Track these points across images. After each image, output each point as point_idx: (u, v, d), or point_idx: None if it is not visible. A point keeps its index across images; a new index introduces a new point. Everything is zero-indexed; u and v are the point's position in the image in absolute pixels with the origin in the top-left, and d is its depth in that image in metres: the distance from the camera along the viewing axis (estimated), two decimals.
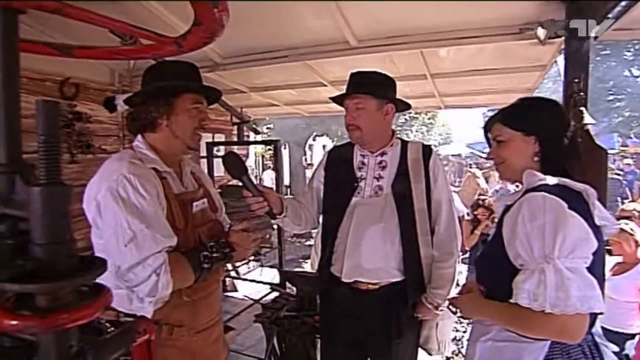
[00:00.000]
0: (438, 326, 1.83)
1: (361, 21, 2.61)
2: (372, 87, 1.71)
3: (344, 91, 1.76)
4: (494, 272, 1.22)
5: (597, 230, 1.10)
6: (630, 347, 2.82)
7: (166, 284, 1.22)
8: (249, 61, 3.24)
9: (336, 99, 1.82)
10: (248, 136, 5.60)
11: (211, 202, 1.62)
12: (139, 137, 1.45)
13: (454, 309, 1.38)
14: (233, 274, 5.02)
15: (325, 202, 1.90)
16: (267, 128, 12.90)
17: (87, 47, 1.00)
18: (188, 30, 0.79)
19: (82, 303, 0.56)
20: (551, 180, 1.14)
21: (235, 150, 6.05)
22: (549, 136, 1.22)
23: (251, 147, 8.48)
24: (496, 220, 4.66)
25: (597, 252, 1.06)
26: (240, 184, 1.57)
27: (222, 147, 5.40)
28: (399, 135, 1.90)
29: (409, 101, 1.86)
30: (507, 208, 1.19)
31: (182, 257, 1.32)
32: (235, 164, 1.54)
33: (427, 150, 1.79)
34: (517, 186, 1.31)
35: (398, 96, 1.80)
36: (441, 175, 1.77)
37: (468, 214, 4.83)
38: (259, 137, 6.03)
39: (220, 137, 5.49)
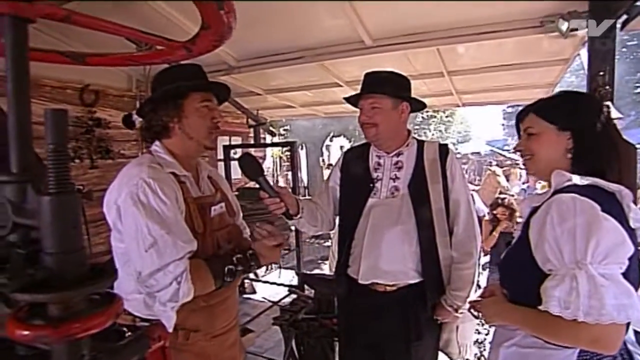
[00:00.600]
0: (458, 329, 1.79)
1: (376, 20, 2.58)
2: (386, 86, 1.70)
3: (359, 90, 1.74)
4: (519, 276, 1.16)
5: (632, 233, 1.03)
6: None
7: (187, 292, 1.22)
8: (264, 63, 3.25)
9: (350, 100, 1.80)
10: (264, 138, 5.62)
11: (229, 206, 1.61)
12: (157, 142, 1.45)
13: (475, 313, 1.33)
14: (252, 276, 5.04)
15: (341, 204, 1.89)
16: (284, 130, 12.95)
17: (99, 54, 1.00)
18: (196, 34, 0.78)
19: (94, 312, 0.55)
20: (582, 180, 1.07)
21: (252, 153, 6.12)
22: (585, 132, 1.14)
23: (268, 149, 8.50)
24: (519, 220, 4.54)
25: (633, 257, 0.99)
26: (257, 185, 1.56)
27: (239, 150, 5.44)
28: (415, 135, 1.87)
29: (426, 100, 1.83)
30: (535, 210, 1.13)
31: (204, 265, 1.30)
32: (251, 166, 1.54)
33: (443, 150, 1.76)
34: (540, 185, 1.24)
35: (414, 95, 1.78)
36: (458, 174, 1.73)
37: (488, 214, 4.72)
38: (275, 139, 6.05)
39: (237, 140, 5.52)
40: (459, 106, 4.99)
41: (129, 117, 1.77)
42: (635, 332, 1.13)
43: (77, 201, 0.55)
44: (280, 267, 5.11)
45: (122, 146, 3.84)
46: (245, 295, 4.92)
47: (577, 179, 1.08)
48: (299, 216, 1.68)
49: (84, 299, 0.55)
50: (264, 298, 4.70)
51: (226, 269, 1.34)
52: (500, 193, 7.76)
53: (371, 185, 1.77)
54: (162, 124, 1.41)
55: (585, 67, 2.04)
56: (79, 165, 3.44)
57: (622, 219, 1.02)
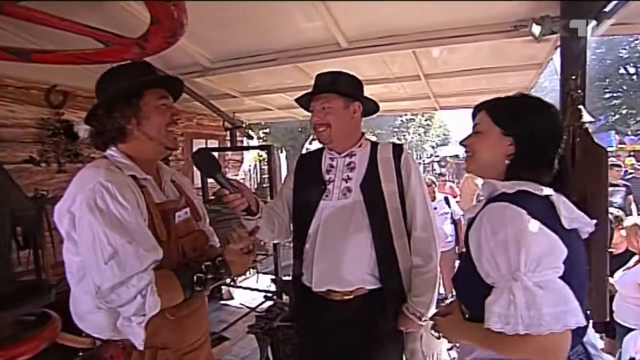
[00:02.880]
0: (423, 338, 1.74)
1: (351, 21, 2.55)
2: (336, 86, 1.67)
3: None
4: (471, 291, 1.13)
5: (567, 233, 1.02)
6: (628, 343, 2.73)
7: (154, 305, 1.13)
8: (239, 65, 3.17)
9: (301, 102, 1.77)
10: (242, 141, 5.54)
11: (194, 211, 1.53)
12: (111, 147, 1.36)
13: (435, 334, 1.30)
14: (229, 281, 4.93)
15: (294, 208, 1.83)
16: (264, 133, 12.85)
17: (47, 51, 0.92)
18: (147, 30, 0.72)
19: (23, 336, 0.49)
20: (512, 186, 1.06)
21: (230, 155, 6.04)
22: (527, 142, 1.11)
23: (247, 152, 8.39)
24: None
25: (571, 258, 0.98)
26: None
27: (215, 153, 5.34)
28: (369, 138, 1.86)
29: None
30: (472, 221, 1.11)
31: (172, 275, 1.22)
32: (206, 161, 1.46)
33: (397, 149, 1.72)
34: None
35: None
36: (414, 173, 1.68)
37: (464, 216, 4.75)
38: (254, 142, 5.97)
39: (213, 143, 5.43)
40: (436, 109, 5.00)
41: (70, 128, 1.66)
42: (617, 322, 1.11)
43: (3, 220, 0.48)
44: (257, 272, 5.02)
45: (92, 150, 3.69)
46: (222, 302, 4.82)
47: (506, 186, 1.07)
48: (258, 215, 1.61)
49: (11, 322, 0.48)
50: (241, 304, 4.61)
51: (195, 277, 1.25)
52: (479, 196, 7.88)
53: (323, 187, 1.72)
54: (118, 126, 1.31)
55: (558, 71, 2.05)
56: (45, 169, 3.30)
57: (555, 222, 1.01)
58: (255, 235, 1.47)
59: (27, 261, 2.73)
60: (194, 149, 4.67)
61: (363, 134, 1.80)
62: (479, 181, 8.16)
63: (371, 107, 1.78)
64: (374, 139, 1.85)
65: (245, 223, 1.65)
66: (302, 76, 3.41)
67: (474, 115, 1.23)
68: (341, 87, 1.67)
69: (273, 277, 4.13)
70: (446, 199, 4.90)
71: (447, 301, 4.05)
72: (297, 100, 1.80)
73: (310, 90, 1.71)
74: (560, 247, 0.97)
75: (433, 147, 22.91)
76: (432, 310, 1.63)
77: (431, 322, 1.40)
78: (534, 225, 0.96)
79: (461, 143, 1.25)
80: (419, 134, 18.50)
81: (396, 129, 14.84)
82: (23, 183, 3.08)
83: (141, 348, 1.16)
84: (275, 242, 1.95)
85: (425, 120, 19.35)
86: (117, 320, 1.15)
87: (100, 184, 1.16)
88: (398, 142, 1.96)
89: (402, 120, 15.31)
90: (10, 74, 3.06)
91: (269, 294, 3.20)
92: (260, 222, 1.63)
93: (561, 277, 0.96)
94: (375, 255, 1.62)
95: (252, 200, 1.56)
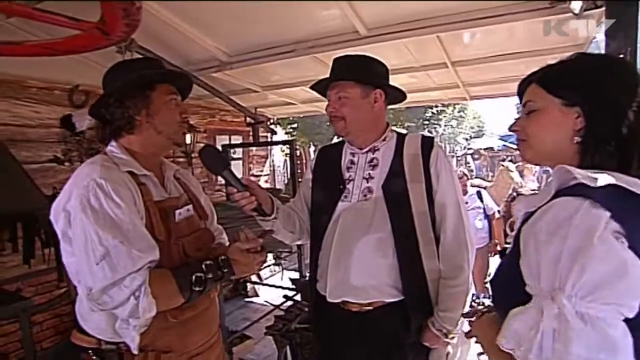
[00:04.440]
0: (449, 356, 1.57)
1: (370, 7, 2.40)
2: (354, 72, 1.50)
3: None
4: (512, 297, 0.88)
5: None
6: None
7: (148, 307, 1.08)
8: (256, 58, 3.09)
9: (317, 89, 1.62)
10: (266, 137, 5.48)
11: (199, 208, 1.47)
12: (112, 142, 1.31)
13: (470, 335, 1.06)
14: (254, 278, 4.91)
15: (312, 209, 1.68)
16: (292, 127, 12.82)
17: (13, 42, 0.85)
18: (102, 15, 0.63)
19: None
20: (601, 177, 0.75)
21: (254, 151, 6.01)
22: (602, 110, 0.84)
23: (276, 148, 8.37)
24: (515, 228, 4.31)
25: None
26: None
27: (238, 150, 5.31)
28: (397, 129, 1.67)
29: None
30: (529, 215, 0.85)
31: (168, 275, 1.16)
32: (213, 158, 1.38)
33: (427, 143, 1.52)
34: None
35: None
36: (445, 172, 1.49)
37: (499, 212, 4.51)
38: (279, 138, 5.91)
39: (237, 139, 5.39)
40: (466, 99, 4.74)
41: (67, 118, 1.61)
42: None
43: None
44: (283, 269, 4.97)
45: None
46: (247, 299, 4.79)
47: (586, 177, 0.76)
48: (273, 216, 1.49)
49: None
50: (266, 302, 4.58)
51: (193, 277, 1.18)
52: (514, 190, 7.53)
53: (341, 187, 1.56)
54: (128, 118, 1.27)
55: (603, 49, 1.83)
56: (69, 168, 3.33)
57: None
58: (267, 237, 1.37)
59: (49, 259, 2.78)
60: (219, 146, 4.70)
61: (388, 125, 1.62)
62: (514, 174, 7.85)
63: (396, 95, 1.59)
64: (403, 132, 1.65)
65: (261, 223, 1.54)
66: (321, 68, 3.27)
67: (520, 94, 1.01)
68: (359, 73, 1.50)
69: (295, 276, 4.04)
70: (479, 193, 4.67)
71: (478, 301, 3.86)
72: (313, 87, 1.64)
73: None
74: (635, 278, 0.69)
75: (467, 140, 22.23)
76: (461, 326, 1.46)
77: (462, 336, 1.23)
78: (604, 239, 0.70)
79: (511, 129, 1.01)
80: (452, 126, 17.94)
81: (426, 121, 14.41)
82: (48, 182, 3.14)
83: (135, 352, 1.12)
84: (298, 243, 1.81)
85: (458, 111, 18.75)
86: (116, 322, 1.11)
87: (94, 182, 1.12)
88: (428, 134, 1.73)
89: (433, 112, 14.82)
90: (34, 75, 3.10)
91: (289, 295, 3.11)
92: (276, 223, 1.52)
93: (628, 322, 0.70)
94: (397, 264, 1.45)
95: (265, 199, 1.45)
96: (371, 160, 1.56)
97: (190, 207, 1.40)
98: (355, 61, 1.54)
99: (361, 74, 1.50)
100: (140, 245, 1.11)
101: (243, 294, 4.81)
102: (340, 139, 1.66)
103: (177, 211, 1.32)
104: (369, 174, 1.54)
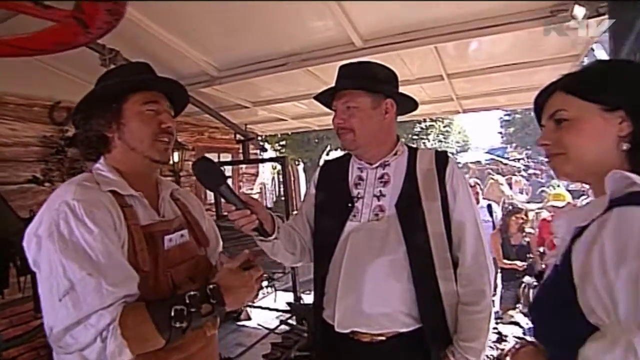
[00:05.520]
0: None
1: (366, 18, 2.33)
2: (363, 80, 1.39)
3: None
4: (557, 325, 0.80)
5: None
6: None
7: (117, 351, 0.91)
8: (247, 72, 2.99)
9: (322, 99, 1.49)
10: (256, 154, 5.36)
11: (198, 233, 1.30)
12: (101, 159, 1.17)
13: None
14: None
15: (316, 229, 1.54)
16: (280, 145, 12.71)
17: None
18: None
19: None
20: None
21: (244, 169, 5.87)
22: None
23: (264, 165, 8.24)
24: (528, 231, 4.17)
25: None
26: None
27: (228, 167, 5.18)
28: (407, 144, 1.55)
29: (425, 107, 1.54)
30: (580, 232, 0.76)
31: (142, 310, 0.97)
32: (208, 172, 1.21)
33: (442, 158, 1.42)
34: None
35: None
36: (462, 189, 1.38)
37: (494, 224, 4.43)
38: (269, 155, 5.79)
39: (226, 157, 5.26)
40: (458, 112, 4.71)
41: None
42: None
43: None
44: (275, 290, 4.79)
45: None
46: (239, 323, 4.57)
47: None
48: (274, 236, 1.34)
49: None
50: (259, 325, 4.39)
51: (173, 310, 0.98)
52: (509, 204, 7.51)
53: (350, 205, 1.43)
54: (97, 134, 1.14)
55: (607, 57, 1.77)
56: (49, 189, 3.15)
57: None
58: (259, 260, 1.21)
59: (24, 288, 2.58)
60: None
61: (398, 138, 1.50)
62: (505, 187, 7.83)
63: (407, 104, 1.48)
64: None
65: (260, 244, 1.39)
66: (314, 81, 3.20)
67: (540, 105, 0.93)
68: (369, 81, 1.39)
69: (290, 300, 3.87)
70: (489, 206, 4.57)
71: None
72: (317, 97, 1.51)
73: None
74: None
75: (453, 154, 22.38)
76: (484, 356, 1.34)
77: None
78: None
79: (540, 143, 0.91)
80: (440, 141, 18.03)
81: (415, 136, 14.40)
82: (27, 204, 2.96)
83: None
84: (297, 265, 1.65)
85: (445, 126, 18.85)
86: None
87: (66, 204, 0.98)
88: (442, 149, 1.60)
89: (421, 127, 14.84)
90: (12, 90, 2.95)
91: (285, 320, 2.95)
92: (277, 244, 1.38)
93: None
94: (413, 289, 1.32)
95: (266, 217, 1.30)
96: (382, 176, 1.43)
97: (185, 231, 1.24)
98: (364, 68, 1.43)
99: (371, 82, 1.39)
100: (113, 278, 0.95)
101: (234, 317, 4.59)
102: (341, 153, 1.55)
103: (168, 237, 1.16)
104: (380, 191, 1.41)
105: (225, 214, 4.20)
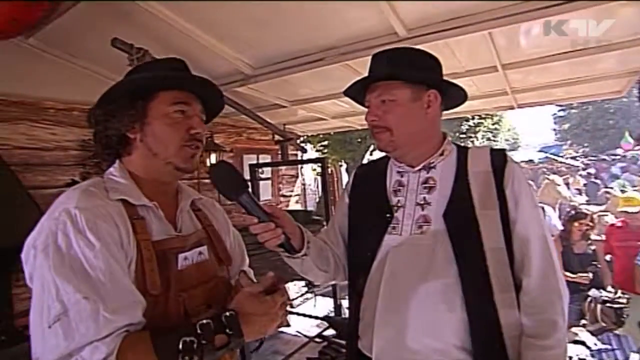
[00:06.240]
0: None
1: (410, 4, 2.09)
2: (401, 68, 1.16)
3: None
4: None
5: None
6: None
7: None
8: (282, 69, 2.84)
9: (352, 93, 1.28)
10: (296, 155, 5.23)
11: (219, 250, 1.14)
12: (117, 161, 1.04)
13: None
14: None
15: (349, 244, 1.33)
16: (322, 145, 12.58)
17: None
18: None
19: None
20: None
21: (283, 171, 5.75)
22: None
23: (307, 166, 8.14)
24: (593, 238, 3.72)
25: None
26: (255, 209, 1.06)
27: (267, 169, 5.08)
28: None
29: (475, 102, 1.32)
30: None
31: (147, 342, 0.82)
32: (227, 179, 1.03)
33: (499, 158, 1.18)
34: None
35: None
36: (526, 195, 1.14)
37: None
38: (310, 156, 5.66)
39: (265, 158, 5.17)
40: (512, 108, 4.33)
41: None
42: None
43: None
44: (315, 295, 4.63)
45: None
46: (278, 329, 4.46)
47: None
48: (302, 252, 1.16)
49: None
50: (298, 332, 4.24)
51: (181, 342, 0.83)
52: (561, 205, 6.93)
53: (388, 215, 1.21)
54: (118, 134, 1.00)
55: None
56: None
57: None
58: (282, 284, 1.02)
59: None
60: (246, 166, 4.47)
61: (445, 135, 1.27)
62: (562, 188, 7.26)
63: (455, 96, 1.25)
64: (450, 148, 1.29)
65: (288, 261, 1.21)
66: (354, 77, 2.98)
67: None
68: (407, 69, 1.17)
69: (330, 305, 3.67)
70: (542, 210, 4.18)
71: None
72: (347, 92, 1.30)
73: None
74: None
75: None
76: None
77: None
78: None
79: None
80: (489, 139, 17.21)
81: (463, 135, 13.75)
82: None
83: None
84: (332, 283, 1.43)
85: (494, 124, 17.96)
86: None
87: (67, 212, 0.85)
88: (499, 147, 1.32)
89: (470, 125, 14.15)
90: (52, 95, 2.98)
91: (321, 332, 2.77)
92: (306, 261, 1.20)
93: None
94: (466, 318, 1.08)
95: (293, 231, 1.13)
96: (426, 181, 1.21)
97: (203, 248, 1.08)
98: (401, 55, 1.21)
99: (410, 70, 1.17)
100: (114, 303, 0.81)
101: None
102: (382, 154, 1.33)
103: (182, 255, 1.01)
104: (424, 198, 1.19)
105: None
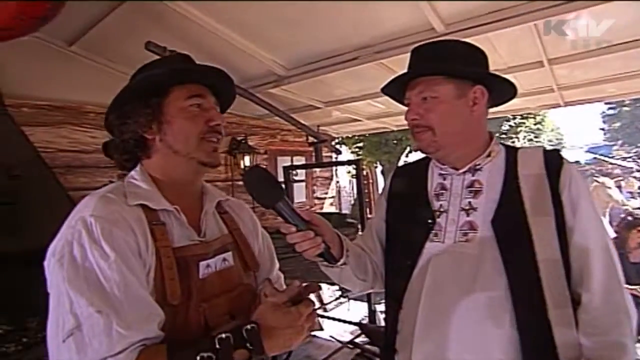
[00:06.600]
0: None
1: None
2: (444, 62, 1.08)
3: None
4: None
5: None
6: None
7: None
8: (315, 69, 2.80)
9: (390, 91, 1.19)
10: (330, 157, 5.19)
11: (246, 255, 1.09)
12: (138, 165, 1.01)
13: None
14: (318, 308, 4.54)
15: (387, 251, 1.25)
16: (357, 147, 12.48)
17: None
18: None
19: None
20: None
21: (318, 173, 5.69)
22: None
23: (340, 169, 8.06)
24: None
25: None
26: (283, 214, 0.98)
27: (301, 171, 5.06)
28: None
29: (517, 100, 1.15)
30: None
31: (163, 357, 0.78)
32: (263, 185, 0.96)
33: (553, 160, 1.07)
34: None
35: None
36: (585, 199, 1.03)
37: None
38: (345, 157, 5.60)
39: (300, 160, 5.15)
40: (559, 106, 4.09)
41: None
42: None
43: None
44: (348, 299, 4.55)
45: None
46: (311, 332, 4.41)
47: None
48: (342, 261, 1.09)
49: None
50: (331, 337, 4.17)
51: (198, 358, 0.78)
52: (612, 209, 6.50)
53: (430, 221, 1.13)
54: (135, 137, 0.97)
55: None
56: None
57: None
58: (312, 292, 0.96)
59: None
60: (280, 168, 4.47)
61: (491, 135, 1.17)
62: (613, 191, 6.82)
63: (503, 91, 1.15)
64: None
65: (325, 270, 1.15)
66: (389, 75, 2.91)
67: None
68: (450, 63, 1.08)
69: (355, 324, 3.58)
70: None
71: None
72: (385, 89, 1.21)
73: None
74: None
75: None
76: None
77: None
78: None
79: None
80: (530, 140, 16.48)
81: (503, 135, 13.22)
82: None
83: None
84: (369, 292, 1.35)
85: (535, 123, 17.17)
86: None
87: (82, 221, 0.82)
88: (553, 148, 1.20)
89: (510, 125, 13.59)
90: (92, 100, 3.07)
91: (353, 339, 2.69)
92: (345, 270, 1.13)
93: None
94: (516, 336, 0.98)
95: (333, 239, 1.06)
96: (471, 185, 1.11)
97: (228, 254, 1.03)
98: (444, 48, 1.12)
99: (454, 64, 1.08)
100: (128, 317, 0.77)
101: None
102: (421, 155, 1.25)
103: (204, 262, 0.96)
104: (470, 203, 1.09)
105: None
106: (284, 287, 1.07)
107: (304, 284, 0.92)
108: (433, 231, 1.11)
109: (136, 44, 2.30)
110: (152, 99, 0.96)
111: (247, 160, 4.16)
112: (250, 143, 4.27)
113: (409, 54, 1.17)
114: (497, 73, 1.11)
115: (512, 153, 1.13)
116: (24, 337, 2.10)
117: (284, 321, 0.85)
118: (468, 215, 1.08)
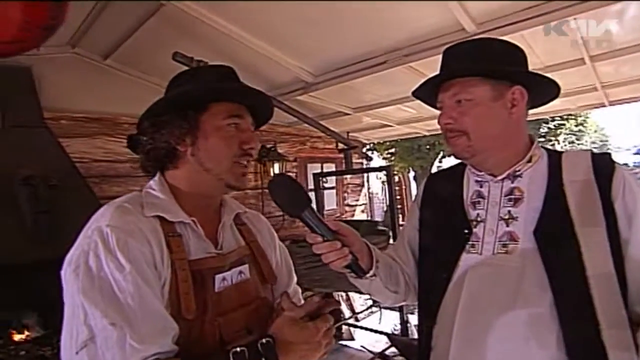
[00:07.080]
0: None
1: None
2: (480, 63, 1.01)
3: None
4: None
5: None
6: None
7: None
8: (343, 75, 2.77)
9: (422, 94, 1.13)
10: (361, 164, 5.12)
11: (264, 268, 1.06)
12: (158, 174, 1.00)
13: None
14: (349, 317, 4.47)
15: (420, 263, 1.19)
16: (389, 153, 12.33)
17: None
18: None
19: None
20: None
21: (349, 180, 5.63)
22: None
23: (372, 175, 7.98)
24: None
25: None
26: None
27: (331, 178, 5.03)
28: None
29: (559, 102, 1.10)
30: None
31: None
32: (288, 194, 0.93)
33: (603, 164, 0.98)
34: None
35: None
36: None
37: None
38: (377, 164, 5.53)
39: (330, 167, 5.12)
40: (603, 106, 3.86)
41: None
42: None
43: None
44: (380, 308, 4.45)
45: None
46: (342, 342, 4.33)
47: None
48: (371, 273, 1.04)
49: None
50: (362, 347, 4.09)
51: None
52: None
53: (466, 231, 1.06)
54: (167, 147, 0.95)
55: None
56: None
57: None
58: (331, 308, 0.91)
59: None
60: (310, 175, 4.45)
61: (532, 139, 1.09)
62: None
63: (544, 92, 1.08)
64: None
65: (354, 282, 1.10)
66: (419, 79, 2.83)
67: None
68: (486, 63, 1.02)
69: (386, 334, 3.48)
70: None
71: None
72: (416, 92, 1.15)
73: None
74: None
75: None
76: None
77: None
78: None
79: None
80: (571, 142, 15.73)
81: (542, 138, 12.65)
82: None
83: None
84: (401, 304, 1.29)
85: (577, 125, 16.34)
86: None
87: (99, 231, 0.81)
88: (603, 152, 1.10)
89: (550, 127, 13.00)
90: (126, 111, 3.16)
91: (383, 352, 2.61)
92: (375, 282, 1.08)
93: None
94: (564, 358, 0.90)
95: (361, 249, 1.02)
96: (511, 192, 1.03)
97: (245, 267, 1.01)
98: (479, 47, 1.06)
99: (490, 63, 1.01)
100: (142, 330, 0.76)
101: (337, 336, 4.36)
102: (456, 161, 1.18)
103: (219, 275, 0.94)
104: (509, 212, 1.02)
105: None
106: (302, 301, 1.04)
107: (324, 299, 0.88)
108: (470, 242, 1.04)
109: (166, 56, 2.35)
110: (189, 112, 0.94)
111: (276, 168, 4.16)
112: (279, 150, 4.28)
113: (439, 57, 1.11)
114: (538, 72, 1.03)
115: (555, 157, 1.04)
116: (59, 340, 2.17)
117: (301, 336, 0.83)
118: (508, 225, 1.01)
